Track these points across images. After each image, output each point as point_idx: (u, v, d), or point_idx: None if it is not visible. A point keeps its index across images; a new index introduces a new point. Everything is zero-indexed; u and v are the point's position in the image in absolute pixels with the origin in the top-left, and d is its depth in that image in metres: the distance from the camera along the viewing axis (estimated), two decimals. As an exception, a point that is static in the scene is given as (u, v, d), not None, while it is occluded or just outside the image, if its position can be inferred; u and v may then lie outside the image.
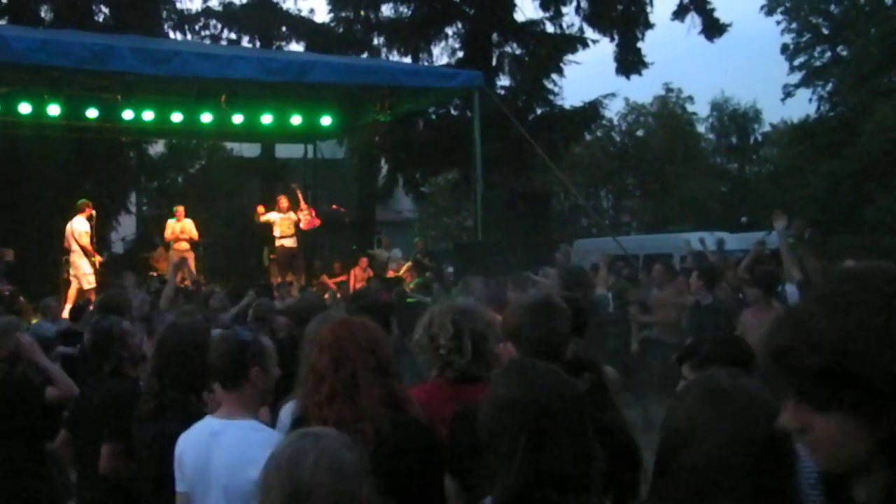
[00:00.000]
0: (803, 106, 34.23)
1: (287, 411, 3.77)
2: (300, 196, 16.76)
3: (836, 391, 1.32)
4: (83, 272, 13.92)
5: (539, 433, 2.17)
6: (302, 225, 16.36)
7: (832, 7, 35.63)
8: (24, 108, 15.03)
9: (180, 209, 16.43)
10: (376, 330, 3.22)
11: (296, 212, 16.32)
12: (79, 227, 14.17)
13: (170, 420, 3.77)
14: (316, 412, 2.99)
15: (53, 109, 15.12)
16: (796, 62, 36.68)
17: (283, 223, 16.12)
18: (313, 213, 16.70)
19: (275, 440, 2.95)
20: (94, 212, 14.40)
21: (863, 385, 1.29)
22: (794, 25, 36.89)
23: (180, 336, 4.08)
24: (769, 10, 37.37)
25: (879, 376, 1.27)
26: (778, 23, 37.35)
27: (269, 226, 16.28)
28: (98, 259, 14.55)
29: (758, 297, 7.23)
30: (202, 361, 3.82)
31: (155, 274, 15.82)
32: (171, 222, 16.33)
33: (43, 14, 21.60)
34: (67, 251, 14.25)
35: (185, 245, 16.07)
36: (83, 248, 14.05)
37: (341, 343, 3.09)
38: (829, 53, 35.74)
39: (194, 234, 16.25)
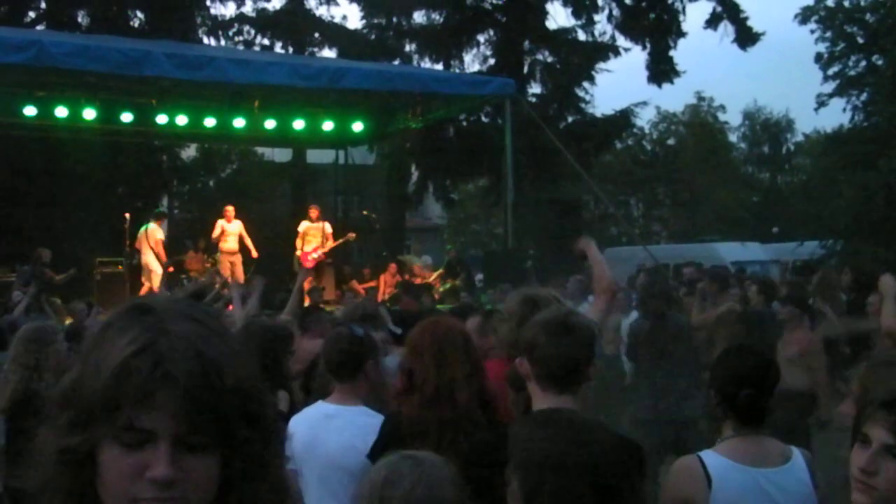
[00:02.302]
0: (837, 116, 33.79)
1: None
2: (329, 235, 16.23)
3: None
4: (157, 273, 14.70)
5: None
6: (300, 251, 16.15)
7: (868, 16, 35.24)
8: (61, 111, 15.21)
9: (230, 209, 16.00)
10: (466, 329, 3.41)
11: (325, 234, 16.08)
12: (156, 234, 14.97)
13: None
14: (413, 413, 3.13)
15: (89, 113, 15.29)
16: (830, 71, 36.23)
17: (311, 231, 16.10)
18: (319, 255, 16.26)
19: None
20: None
21: None
22: (828, 34, 36.45)
23: (255, 335, 4.17)
24: (803, 19, 36.97)
25: None
26: (812, 31, 36.91)
27: (296, 234, 16.26)
28: (170, 267, 15.17)
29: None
30: (276, 361, 4.04)
31: (186, 276, 15.90)
32: (220, 223, 15.88)
33: (80, 19, 21.89)
34: (138, 253, 14.95)
35: (233, 246, 15.68)
36: (158, 255, 14.83)
37: (441, 345, 3.20)
38: (864, 63, 35.27)
39: (245, 235, 15.89)
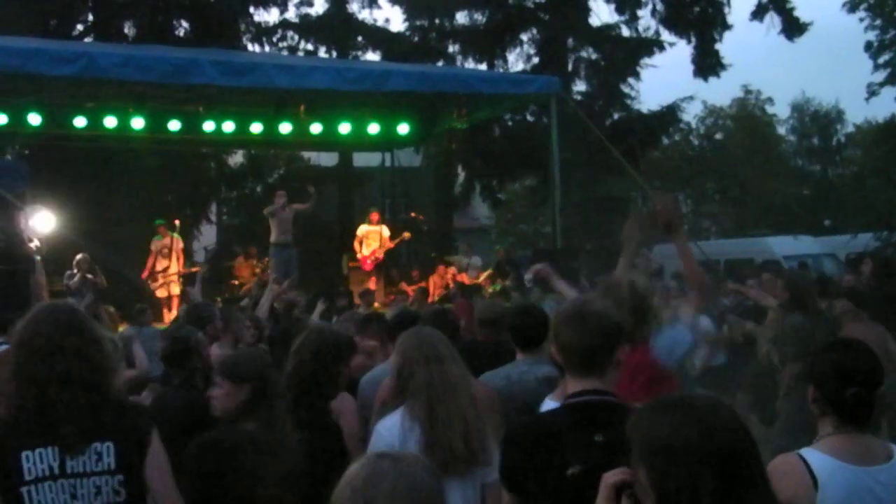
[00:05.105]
0: (889, 105, 33.12)
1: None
2: (387, 239, 16.49)
3: None
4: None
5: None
6: (363, 252, 16.36)
7: (919, 2, 34.55)
8: (110, 121, 15.44)
9: (282, 194, 15.19)
10: None
11: (382, 238, 16.30)
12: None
13: (299, 426, 3.79)
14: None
15: (138, 122, 15.52)
16: (881, 60, 35.60)
17: (370, 235, 16.32)
18: (378, 258, 16.43)
19: None
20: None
21: None
22: (878, 22, 35.81)
23: (321, 341, 4.19)
24: (852, 7, 36.31)
25: None
26: (861, 20, 36.31)
27: (354, 236, 16.49)
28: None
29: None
30: (334, 368, 4.08)
31: (237, 283, 16.00)
32: (274, 209, 14.93)
33: (126, 31, 22.12)
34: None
35: (285, 239, 14.83)
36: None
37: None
38: (916, 50, 34.66)
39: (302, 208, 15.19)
